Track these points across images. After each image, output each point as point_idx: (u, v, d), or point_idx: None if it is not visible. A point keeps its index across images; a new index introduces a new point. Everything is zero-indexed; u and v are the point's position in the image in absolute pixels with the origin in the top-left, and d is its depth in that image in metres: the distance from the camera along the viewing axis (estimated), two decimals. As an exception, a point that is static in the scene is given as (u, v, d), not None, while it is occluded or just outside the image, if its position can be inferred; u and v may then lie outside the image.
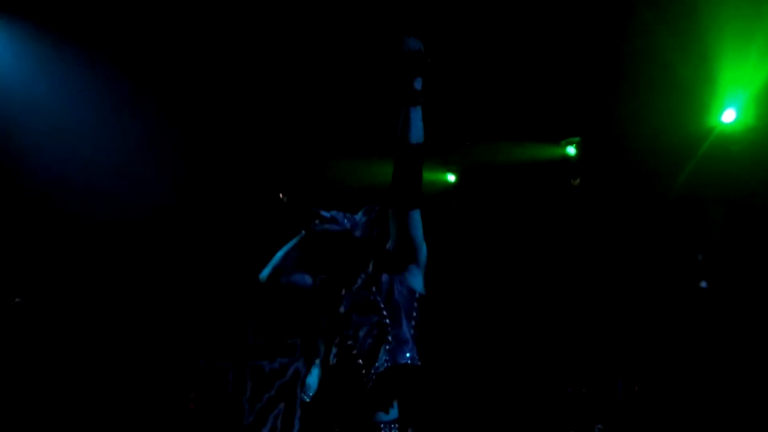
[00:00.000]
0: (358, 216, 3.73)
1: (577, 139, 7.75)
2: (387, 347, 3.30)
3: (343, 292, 3.51)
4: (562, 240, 7.79)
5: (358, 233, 3.65)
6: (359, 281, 3.50)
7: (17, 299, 6.85)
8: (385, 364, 3.28)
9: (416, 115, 3.32)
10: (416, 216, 3.37)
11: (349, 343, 3.38)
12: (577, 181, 7.71)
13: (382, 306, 3.39)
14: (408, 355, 3.31)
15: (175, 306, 7.36)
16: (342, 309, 3.48)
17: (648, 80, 6.64)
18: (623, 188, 7.55)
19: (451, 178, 8.31)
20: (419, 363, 3.34)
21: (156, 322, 7.30)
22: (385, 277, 3.47)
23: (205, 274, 7.35)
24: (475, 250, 8.22)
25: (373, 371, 3.28)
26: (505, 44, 6.63)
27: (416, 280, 3.48)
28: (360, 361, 3.33)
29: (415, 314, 3.43)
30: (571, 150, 7.78)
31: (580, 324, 7.65)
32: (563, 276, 7.79)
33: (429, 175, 7.99)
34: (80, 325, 7.18)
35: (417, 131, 3.32)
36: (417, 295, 3.46)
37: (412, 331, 3.38)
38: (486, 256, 8.17)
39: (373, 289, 3.45)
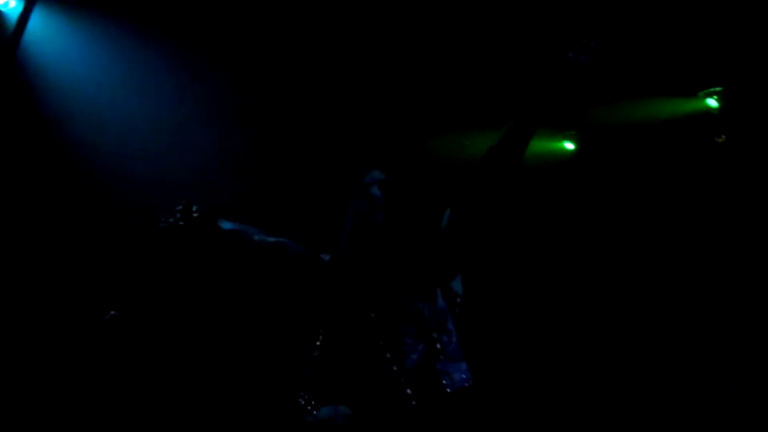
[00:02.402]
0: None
1: (718, 89, 6.67)
2: (439, 366, 2.88)
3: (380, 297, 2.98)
4: (711, 209, 6.71)
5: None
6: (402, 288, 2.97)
7: (112, 312, 6.35)
8: (446, 387, 2.85)
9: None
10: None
11: (387, 356, 2.87)
12: (723, 138, 6.62)
13: (427, 315, 2.93)
14: (464, 376, 2.92)
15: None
16: (372, 314, 2.95)
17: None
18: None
19: (570, 146, 7.32)
20: (472, 382, 2.96)
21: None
22: (428, 285, 2.98)
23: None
24: (601, 229, 7.24)
25: (421, 395, 2.81)
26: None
27: (457, 283, 3.10)
28: (402, 380, 2.85)
29: (456, 322, 3.03)
30: (713, 102, 6.71)
31: (732, 315, 6.54)
32: (717, 258, 6.66)
33: (543, 144, 7.15)
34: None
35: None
36: (458, 300, 3.08)
37: (460, 344, 2.99)
38: (616, 235, 7.16)
39: (418, 297, 2.96)
